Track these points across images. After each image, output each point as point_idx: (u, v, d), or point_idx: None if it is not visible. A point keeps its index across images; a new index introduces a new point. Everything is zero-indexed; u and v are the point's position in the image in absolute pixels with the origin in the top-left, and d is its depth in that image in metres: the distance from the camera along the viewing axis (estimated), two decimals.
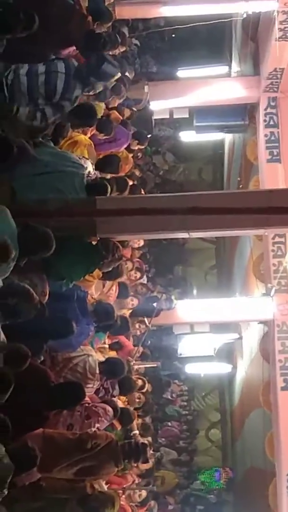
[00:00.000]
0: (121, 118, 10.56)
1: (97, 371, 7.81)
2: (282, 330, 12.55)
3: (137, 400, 11.14)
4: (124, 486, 9.79)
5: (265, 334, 13.25)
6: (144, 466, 9.92)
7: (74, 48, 8.13)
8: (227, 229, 7.55)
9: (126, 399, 10.22)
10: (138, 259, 12.47)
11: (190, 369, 19.39)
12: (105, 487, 7.76)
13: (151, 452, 11.66)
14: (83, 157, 8.04)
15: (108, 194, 7.42)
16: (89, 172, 7.72)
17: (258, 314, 13.01)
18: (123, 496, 9.82)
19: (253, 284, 14.35)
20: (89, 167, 7.86)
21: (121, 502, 9.30)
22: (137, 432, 10.31)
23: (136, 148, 11.33)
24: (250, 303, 13.46)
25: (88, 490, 6.98)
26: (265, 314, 12.76)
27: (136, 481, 10.25)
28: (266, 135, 13.18)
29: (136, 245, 12.46)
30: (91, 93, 8.35)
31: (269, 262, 12.78)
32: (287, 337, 12.52)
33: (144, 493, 10.45)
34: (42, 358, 6.86)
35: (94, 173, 8.01)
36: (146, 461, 7.97)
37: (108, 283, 8.82)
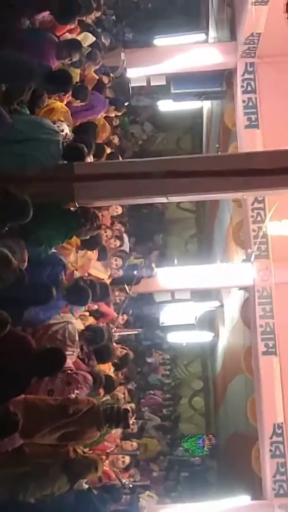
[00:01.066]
0: (97, 78, 10.45)
1: (77, 338, 7.81)
2: (262, 296, 12.59)
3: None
4: (108, 451, 9.86)
5: (246, 300, 13.30)
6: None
7: (48, 13, 8.05)
8: (205, 193, 7.50)
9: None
10: (117, 227, 12.45)
11: (172, 338, 19.50)
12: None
13: (134, 419, 11.74)
14: (59, 119, 7.97)
15: (85, 158, 7.37)
16: (66, 134, 7.67)
17: (239, 280, 13.04)
18: (107, 461, 9.89)
19: (233, 251, 14.38)
20: (66, 129, 7.80)
21: (105, 468, 9.38)
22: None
23: (113, 115, 11.26)
24: (230, 270, 13.50)
25: (71, 455, 7.02)
26: (246, 280, 12.79)
27: (120, 447, 10.32)
28: (244, 101, 13.12)
29: (115, 213, 12.45)
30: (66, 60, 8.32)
31: (248, 228, 12.79)
32: (268, 302, 12.57)
33: (127, 459, 10.51)
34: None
35: (71, 135, 7.96)
36: (127, 426, 7.99)
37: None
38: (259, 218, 12.62)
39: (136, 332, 13.72)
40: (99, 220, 7.67)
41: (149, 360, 20.75)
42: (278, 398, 12.36)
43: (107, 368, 9.72)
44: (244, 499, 12.73)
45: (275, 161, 7.03)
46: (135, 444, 11.94)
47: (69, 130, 8.15)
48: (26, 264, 6.59)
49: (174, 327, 18.45)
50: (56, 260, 7.74)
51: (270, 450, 12.32)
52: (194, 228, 23.00)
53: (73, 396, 7.20)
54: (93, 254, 9.34)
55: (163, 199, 7.70)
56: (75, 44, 8.46)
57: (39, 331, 7.51)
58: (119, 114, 11.82)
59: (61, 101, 8.45)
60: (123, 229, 12.91)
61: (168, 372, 22.09)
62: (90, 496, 7.15)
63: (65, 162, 7.35)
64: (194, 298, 17.07)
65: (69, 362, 7.68)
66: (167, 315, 17.04)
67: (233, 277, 13.18)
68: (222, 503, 12.65)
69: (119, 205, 11.91)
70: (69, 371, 7.48)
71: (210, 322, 19.66)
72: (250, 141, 12.80)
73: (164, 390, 21.48)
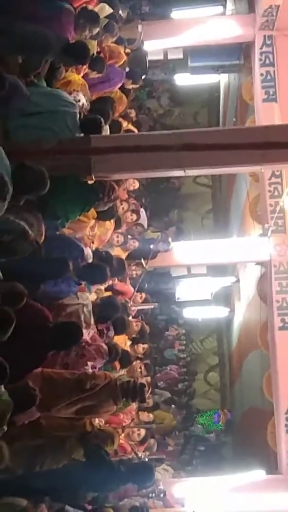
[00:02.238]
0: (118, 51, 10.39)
1: (92, 321, 7.81)
2: (279, 271, 12.55)
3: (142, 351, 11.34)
4: (123, 425, 9.89)
5: (262, 275, 13.26)
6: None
7: None
8: (222, 166, 7.47)
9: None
10: (134, 201, 12.42)
11: (188, 313, 19.50)
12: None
13: (149, 393, 11.77)
14: (74, 89, 7.94)
15: (102, 130, 7.36)
16: (82, 104, 7.65)
17: (255, 255, 12.99)
18: (122, 435, 9.92)
19: (250, 226, 14.31)
20: (82, 99, 7.79)
21: (121, 441, 9.42)
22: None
23: (131, 87, 11.19)
24: (247, 244, 13.44)
25: (87, 428, 7.05)
26: (262, 255, 12.74)
27: (135, 421, 10.36)
28: (262, 74, 12.99)
29: (131, 188, 12.42)
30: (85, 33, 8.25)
31: (265, 202, 12.72)
32: (284, 278, 12.53)
33: (143, 432, 10.55)
34: None
35: (88, 105, 7.93)
36: (143, 400, 8.01)
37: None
38: (276, 193, 12.55)
39: (152, 307, 13.70)
40: (116, 192, 7.66)
41: (167, 334, 20.81)
42: None
43: (123, 342, 9.75)
44: (259, 474, 12.75)
45: None
46: (151, 415, 12.00)
47: (86, 101, 8.13)
48: (43, 237, 6.59)
49: (190, 302, 18.46)
50: (74, 245, 7.74)
51: (286, 425, 12.34)
52: (211, 203, 22.91)
53: (87, 368, 7.23)
54: (110, 224, 9.33)
55: (180, 173, 7.66)
56: (94, 17, 8.37)
57: (53, 311, 7.52)
58: (136, 87, 11.75)
59: (78, 73, 8.40)
60: (139, 204, 12.89)
61: (183, 347, 22.13)
62: (101, 452, 7.15)
63: (82, 134, 7.33)
64: (210, 273, 17.07)
65: (85, 337, 7.70)
66: (183, 290, 17.04)
67: (249, 252, 13.13)
68: (237, 478, 12.67)
69: (136, 178, 11.87)
70: (82, 344, 7.50)
71: (226, 297, 19.65)
72: (267, 115, 12.67)
73: (180, 365, 21.53)
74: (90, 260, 7.77)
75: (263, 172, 11.94)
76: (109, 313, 8.43)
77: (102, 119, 7.42)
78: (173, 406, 18.69)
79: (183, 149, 6.81)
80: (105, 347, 7.70)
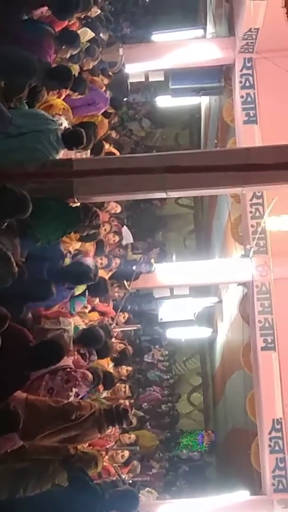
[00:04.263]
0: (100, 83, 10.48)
1: (71, 348, 7.82)
2: (261, 291, 12.59)
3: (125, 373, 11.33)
4: (107, 447, 9.85)
5: (245, 295, 13.29)
6: None
7: (47, 8, 8.03)
8: (204, 188, 7.48)
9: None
10: (116, 223, 12.44)
11: (171, 334, 19.52)
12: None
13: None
14: (56, 113, 7.98)
15: (85, 143, 7.40)
16: (65, 127, 7.68)
17: (237, 275, 13.04)
18: (106, 457, 9.89)
19: (232, 247, 14.38)
20: (64, 123, 7.81)
21: (104, 463, 9.39)
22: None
23: (112, 112, 11.25)
24: (229, 265, 13.48)
25: (71, 451, 7.02)
26: (244, 275, 12.79)
27: (118, 443, 10.32)
28: (242, 96, 13.11)
29: (113, 211, 12.43)
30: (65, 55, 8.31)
31: (247, 223, 12.78)
32: (266, 298, 12.57)
33: (126, 453, 10.51)
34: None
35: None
36: (129, 424, 7.99)
37: None
38: (257, 214, 12.61)
39: (135, 328, 13.70)
40: (99, 220, 7.68)
41: (146, 358, 20.76)
42: (277, 393, 12.36)
43: (106, 363, 9.73)
44: (243, 495, 12.73)
45: (274, 156, 7.02)
46: (133, 436, 11.94)
47: (68, 125, 8.16)
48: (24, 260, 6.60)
49: (173, 323, 18.49)
50: (57, 252, 7.75)
51: (269, 446, 12.32)
52: (193, 224, 23.03)
53: (72, 393, 7.21)
54: (91, 247, 9.35)
55: (162, 195, 7.68)
56: (74, 39, 8.43)
57: (34, 335, 7.51)
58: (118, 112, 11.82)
59: (59, 96, 8.43)
60: (121, 224, 12.91)
61: (167, 368, 22.12)
62: (86, 478, 7.12)
63: (66, 148, 7.36)
64: (193, 294, 17.09)
65: (68, 361, 7.70)
66: (166, 311, 17.06)
67: (231, 272, 13.17)
68: (221, 499, 12.65)
69: (118, 200, 11.89)
70: (68, 369, 7.49)
71: (208, 318, 19.69)
72: (248, 137, 12.79)
73: (163, 386, 21.50)
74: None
75: (244, 194, 12.02)
76: (90, 343, 8.43)
77: (83, 131, 7.46)
78: (147, 424, 18.61)
79: (165, 171, 6.82)
80: (90, 375, 7.69)
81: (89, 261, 8.76)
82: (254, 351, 12.78)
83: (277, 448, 12.31)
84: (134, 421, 8.61)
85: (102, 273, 11.04)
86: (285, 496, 12.08)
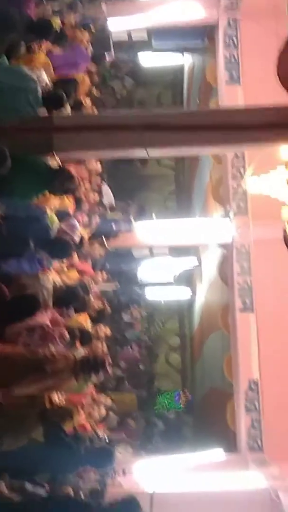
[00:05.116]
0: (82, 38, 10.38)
1: (50, 303, 7.83)
2: (240, 253, 12.61)
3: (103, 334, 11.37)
4: (83, 402, 9.92)
5: (224, 257, 13.32)
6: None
7: None
8: (185, 147, 7.45)
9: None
10: (96, 181, 12.39)
11: (150, 294, 19.56)
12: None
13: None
14: (37, 67, 7.90)
15: (65, 106, 7.33)
16: (45, 84, 7.60)
17: (217, 236, 13.04)
18: (83, 413, 9.96)
19: (212, 208, 14.36)
20: (44, 78, 7.73)
21: (81, 421, 9.46)
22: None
23: (94, 70, 11.16)
24: (209, 226, 13.48)
25: (47, 405, 7.05)
26: (224, 237, 12.79)
27: (95, 396, 10.39)
28: (225, 57, 13.01)
29: (93, 169, 12.37)
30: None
31: (228, 185, 12.76)
32: (245, 259, 12.59)
33: (103, 410, 10.59)
34: None
35: (51, 85, 7.88)
36: (106, 374, 8.03)
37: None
38: (238, 175, 12.59)
39: (114, 288, 13.72)
40: (75, 184, 7.64)
41: (125, 317, 20.80)
42: (254, 354, 12.44)
43: (84, 320, 9.75)
44: (218, 453, 12.86)
45: (255, 117, 6.99)
46: (108, 400, 12.02)
47: (49, 81, 8.09)
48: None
49: (152, 284, 18.51)
50: (40, 215, 7.72)
51: (245, 406, 12.43)
52: (174, 185, 22.91)
53: (50, 350, 7.23)
54: (71, 204, 9.32)
55: (143, 153, 7.63)
56: None
57: (12, 290, 7.51)
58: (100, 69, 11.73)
59: (39, 47, 8.33)
60: (101, 183, 12.86)
61: (145, 328, 22.17)
62: (61, 434, 7.18)
63: (45, 110, 7.29)
64: (173, 255, 17.10)
65: (45, 319, 7.71)
66: (145, 272, 17.08)
67: (211, 234, 13.17)
68: (196, 457, 12.77)
69: (99, 158, 11.84)
70: (45, 327, 7.50)
71: (188, 279, 19.72)
72: (231, 97, 12.72)
73: (141, 346, 21.57)
74: (54, 235, 7.79)
75: (225, 155, 11.99)
76: (68, 300, 8.45)
77: (64, 95, 7.39)
78: (126, 383, 18.72)
79: (146, 129, 6.80)
80: (67, 334, 7.71)
81: (77, 225, 8.79)
82: (232, 312, 12.84)
83: (252, 408, 12.42)
84: (111, 371, 8.62)
85: (82, 231, 11.04)
86: (259, 455, 12.21)
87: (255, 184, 11.64)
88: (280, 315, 11.86)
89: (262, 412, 12.34)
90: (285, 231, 7.92)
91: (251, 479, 11.24)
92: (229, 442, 13.26)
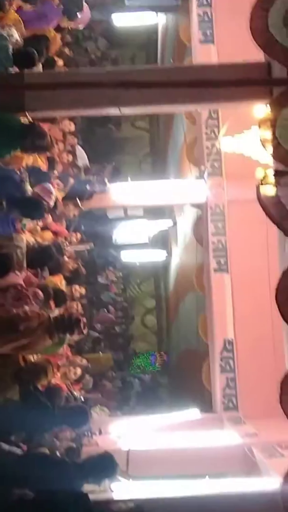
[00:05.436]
0: None
1: (24, 264, 7.82)
2: (215, 213, 12.60)
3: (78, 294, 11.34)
4: (59, 363, 9.93)
5: (199, 217, 13.32)
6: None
7: None
8: (158, 105, 7.37)
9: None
10: (70, 142, 12.29)
11: (126, 256, 19.57)
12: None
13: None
14: (7, 24, 7.79)
15: (36, 64, 7.25)
16: (16, 40, 7.51)
17: (192, 197, 13.02)
18: (58, 374, 9.97)
19: (187, 169, 14.32)
20: (15, 35, 7.64)
21: (56, 381, 9.48)
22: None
23: (66, 27, 11.01)
24: (183, 186, 13.46)
25: (21, 363, 7.05)
26: (199, 197, 12.77)
27: (70, 357, 10.41)
28: (199, 15, 12.87)
29: (67, 129, 12.26)
30: None
31: (202, 145, 12.70)
32: (220, 219, 12.60)
33: (79, 370, 10.61)
34: None
35: (22, 42, 7.79)
36: (80, 333, 8.03)
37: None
38: (212, 135, 12.53)
39: (88, 248, 13.68)
40: (45, 140, 7.56)
41: (100, 279, 20.82)
42: (229, 314, 12.51)
43: (59, 281, 9.74)
44: (194, 413, 12.97)
45: (229, 73, 6.95)
46: (84, 360, 12.01)
47: (20, 38, 7.98)
48: None
49: (128, 246, 18.51)
50: (12, 174, 7.68)
51: (220, 366, 12.52)
52: (148, 147, 22.84)
53: (24, 309, 7.22)
54: (43, 164, 9.25)
55: (115, 111, 7.56)
56: None
57: None
58: (72, 26, 11.56)
59: (10, 4, 8.20)
60: (75, 143, 12.75)
61: (121, 290, 22.22)
62: (36, 394, 7.20)
63: (15, 68, 7.22)
64: (148, 216, 17.10)
65: (19, 280, 7.70)
66: (121, 233, 17.07)
67: (186, 194, 13.15)
68: (172, 416, 12.87)
69: (72, 119, 11.74)
70: (19, 287, 7.48)
71: (163, 241, 19.75)
72: (205, 57, 12.57)
73: (117, 308, 21.64)
74: (28, 194, 7.75)
75: (200, 115, 11.93)
76: (42, 261, 8.43)
77: (36, 54, 7.30)
78: (102, 344, 18.81)
79: (119, 86, 6.73)
80: (41, 293, 7.70)
81: (51, 188, 8.73)
82: (207, 272, 12.87)
83: (228, 368, 12.52)
84: (86, 331, 8.64)
85: (56, 192, 10.98)
86: (234, 414, 12.33)
87: (229, 144, 11.66)
88: (254, 275, 11.88)
89: (237, 372, 12.43)
90: (258, 190, 7.89)
91: (226, 437, 11.36)
92: (205, 402, 13.37)
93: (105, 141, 20.97)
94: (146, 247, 19.04)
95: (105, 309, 20.55)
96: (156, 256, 19.91)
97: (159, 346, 22.81)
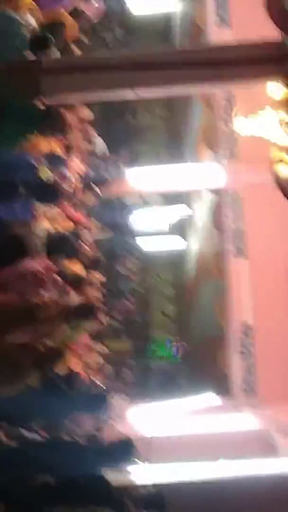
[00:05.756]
0: None
1: (42, 252, 7.83)
2: (232, 198, 12.56)
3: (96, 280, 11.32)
4: (79, 351, 9.93)
5: (216, 203, 13.27)
6: None
7: None
8: (174, 85, 7.32)
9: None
10: (87, 130, 12.27)
11: (144, 245, 19.55)
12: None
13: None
14: (23, 11, 7.78)
15: (51, 49, 7.24)
16: (33, 28, 7.51)
17: (209, 182, 12.98)
18: (79, 362, 9.98)
19: (203, 153, 14.26)
20: (32, 22, 7.62)
21: (77, 369, 9.48)
22: None
23: (82, 10, 10.96)
24: (200, 171, 13.41)
25: (40, 349, 7.06)
26: (216, 182, 12.73)
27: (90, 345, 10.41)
28: None
29: (85, 118, 12.23)
30: None
31: (218, 129, 12.65)
32: (237, 204, 12.54)
33: (99, 358, 10.62)
34: None
35: (38, 29, 7.78)
36: (99, 322, 8.04)
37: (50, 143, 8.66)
38: (228, 118, 12.45)
39: (107, 236, 13.68)
40: (65, 122, 7.56)
41: (118, 268, 20.78)
42: (247, 299, 12.48)
43: (78, 269, 9.73)
44: (212, 397, 12.95)
45: (244, 52, 6.92)
46: (105, 348, 12.04)
47: (35, 24, 7.97)
48: None
49: (146, 234, 18.50)
50: (26, 162, 7.68)
51: (239, 351, 12.52)
52: (166, 135, 22.78)
53: (43, 298, 7.22)
54: (60, 151, 9.23)
55: (131, 95, 7.53)
56: None
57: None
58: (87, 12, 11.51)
59: None
60: (93, 132, 12.74)
61: (139, 279, 22.18)
62: (56, 380, 7.23)
63: (32, 54, 7.22)
64: (165, 204, 17.08)
65: (36, 266, 7.70)
66: (139, 221, 17.05)
67: (202, 178, 13.10)
68: (191, 401, 12.87)
69: (87, 102, 11.71)
70: (37, 274, 7.48)
71: (181, 228, 19.71)
72: (220, 40, 12.51)
73: (136, 297, 21.60)
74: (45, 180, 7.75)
75: (215, 99, 11.89)
76: (61, 248, 8.44)
77: (52, 38, 7.29)
78: (121, 333, 18.81)
79: (134, 68, 6.72)
80: (60, 279, 7.70)
81: (68, 174, 8.73)
82: (224, 258, 12.83)
83: (246, 352, 12.49)
84: (105, 319, 8.65)
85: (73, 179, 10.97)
86: (253, 398, 12.31)
87: (244, 126, 11.56)
88: (272, 259, 11.86)
89: (256, 356, 12.41)
90: (275, 172, 7.85)
91: (244, 420, 11.35)
92: (223, 388, 13.35)
93: (122, 130, 20.95)
94: (164, 235, 19.02)
95: (124, 298, 20.51)
96: (175, 243, 19.88)
97: (178, 334, 22.78)
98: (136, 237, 18.89)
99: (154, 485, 7.15)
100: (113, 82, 7.03)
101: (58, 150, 9.32)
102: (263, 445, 9.99)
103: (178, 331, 23.04)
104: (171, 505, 6.63)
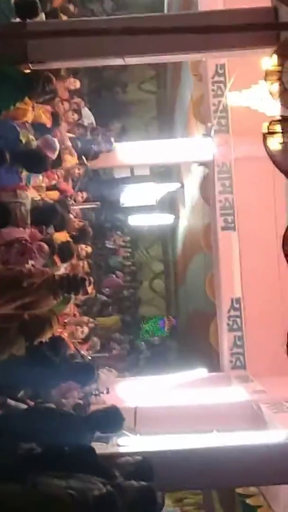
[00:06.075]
0: None
1: (28, 221, 7.74)
2: (222, 171, 12.45)
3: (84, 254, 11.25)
4: (65, 321, 9.87)
5: (206, 176, 13.18)
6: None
7: None
8: (164, 53, 7.24)
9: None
10: (75, 101, 12.16)
11: (133, 220, 19.49)
12: None
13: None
14: None
15: (38, 13, 7.13)
16: None
17: (199, 155, 12.85)
18: (65, 333, 9.91)
19: (194, 127, 14.16)
20: None
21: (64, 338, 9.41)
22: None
23: None
24: (190, 144, 13.31)
25: (25, 316, 6.98)
26: (205, 155, 12.61)
27: (77, 317, 10.35)
28: None
29: (72, 87, 12.12)
30: None
31: (208, 102, 12.51)
32: (227, 178, 12.44)
33: (86, 329, 10.56)
34: None
35: None
36: (86, 293, 7.93)
37: (37, 111, 8.53)
38: (219, 92, 12.32)
39: (94, 206, 13.58)
40: (53, 84, 7.45)
41: (108, 244, 20.76)
42: (236, 273, 12.41)
43: (64, 239, 9.64)
44: (201, 372, 12.93)
45: (235, 18, 6.81)
46: (92, 320, 11.95)
47: None
48: None
49: (135, 209, 18.41)
50: (9, 127, 7.57)
51: (228, 324, 12.47)
52: (155, 110, 22.65)
53: (28, 266, 7.14)
54: (47, 120, 9.12)
55: (119, 61, 7.43)
56: None
57: None
58: None
59: None
60: (82, 103, 12.63)
61: (128, 255, 22.15)
62: (42, 348, 7.16)
63: (18, 19, 7.10)
64: (155, 179, 16.97)
65: (24, 234, 7.62)
66: (128, 196, 16.95)
67: (193, 152, 12.99)
68: (180, 376, 12.83)
69: (76, 74, 11.60)
70: (23, 241, 7.40)
71: (170, 204, 19.64)
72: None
73: (125, 273, 21.59)
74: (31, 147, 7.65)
75: (206, 70, 11.77)
76: (47, 217, 8.35)
77: (38, 2, 7.18)
78: (110, 308, 18.76)
79: (123, 32, 6.57)
80: (46, 247, 7.62)
81: (54, 142, 8.61)
82: (214, 231, 12.75)
83: (235, 326, 12.46)
84: (90, 290, 8.56)
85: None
86: (242, 372, 12.29)
87: (236, 99, 11.48)
88: (262, 233, 11.75)
89: (245, 330, 12.38)
90: (265, 140, 7.74)
91: (233, 393, 11.33)
92: (213, 363, 13.34)
93: (112, 103, 20.82)
94: (153, 211, 18.94)
95: (113, 274, 20.49)
96: (164, 219, 19.83)
97: (167, 310, 22.79)
98: (125, 213, 18.83)
99: (142, 455, 7.10)
100: (100, 47, 6.93)
101: (45, 118, 9.20)
102: (252, 418, 9.95)
103: (167, 306, 23.07)
104: (159, 474, 6.58)
